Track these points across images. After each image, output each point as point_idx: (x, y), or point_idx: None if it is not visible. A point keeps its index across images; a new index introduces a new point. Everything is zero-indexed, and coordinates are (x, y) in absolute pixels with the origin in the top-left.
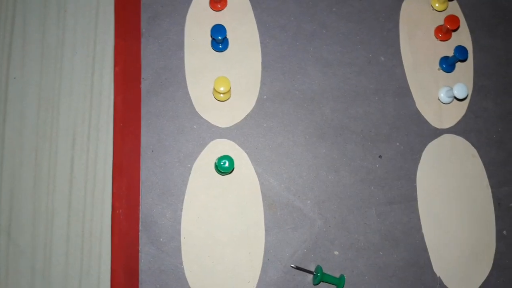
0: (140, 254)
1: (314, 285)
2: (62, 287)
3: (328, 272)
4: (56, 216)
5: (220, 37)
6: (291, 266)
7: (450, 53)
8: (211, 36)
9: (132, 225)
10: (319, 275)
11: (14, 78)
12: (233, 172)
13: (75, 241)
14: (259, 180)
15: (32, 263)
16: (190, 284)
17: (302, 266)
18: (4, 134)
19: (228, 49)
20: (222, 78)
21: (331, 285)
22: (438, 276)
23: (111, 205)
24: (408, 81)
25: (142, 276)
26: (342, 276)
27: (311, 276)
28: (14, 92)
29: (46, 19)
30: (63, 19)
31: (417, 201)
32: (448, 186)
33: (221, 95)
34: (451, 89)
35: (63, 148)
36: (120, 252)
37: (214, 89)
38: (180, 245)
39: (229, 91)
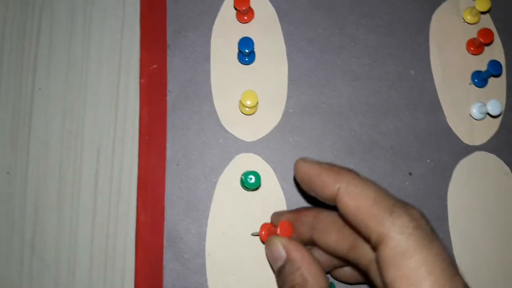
0: (164, 270)
1: None
2: None
3: None
4: (80, 230)
5: (247, 50)
6: None
7: (482, 67)
8: (238, 49)
9: (156, 241)
10: None
11: (40, 89)
12: (256, 190)
13: (99, 256)
14: (285, 196)
15: (56, 278)
16: None
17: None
18: (29, 145)
19: (255, 62)
20: (249, 92)
21: None
22: None
23: (135, 220)
24: (439, 96)
25: None
26: None
27: None
28: (39, 103)
29: (72, 30)
30: (89, 30)
31: (448, 220)
32: (480, 206)
33: (247, 109)
34: (484, 105)
35: (88, 161)
36: (144, 268)
37: (240, 102)
38: (205, 262)
39: (256, 105)
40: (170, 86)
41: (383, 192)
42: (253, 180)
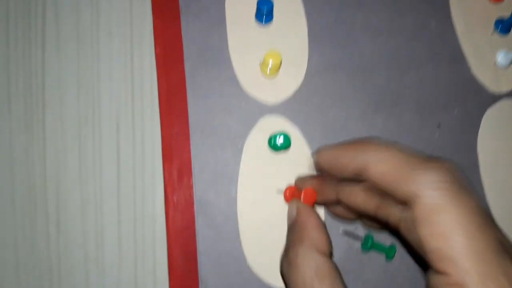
0: (197, 237)
1: (362, 251)
2: (117, 273)
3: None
4: (105, 203)
5: (267, 9)
6: (340, 233)
7: (505, 14)
8: (257, 9)
9: (186, 209)
10: (370, 242)
11: (51, 64)
12: (286, 150)
13: (127, 227)
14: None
15: (85, 252)
16: (250, 265)
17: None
18: (45, 121)
19: (273, 21)
20: (272, 52)
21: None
22: None
23: (162, 190)
24: (462, 46)
25: (201, 259)
26: (393, 246)
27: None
28: (52, 78)
29: (78, 2)
30: (96, 2)
31: (479, 169)
32: (510, 152)
33: (269, 70)
34: (509, 52)
35: (107, 134)
36: (176, 236)
37: (263, 63)
38: (238, 227)
39: (279, 66)
40: (186, 54)
41: (409, 151)
42: (282, 141)
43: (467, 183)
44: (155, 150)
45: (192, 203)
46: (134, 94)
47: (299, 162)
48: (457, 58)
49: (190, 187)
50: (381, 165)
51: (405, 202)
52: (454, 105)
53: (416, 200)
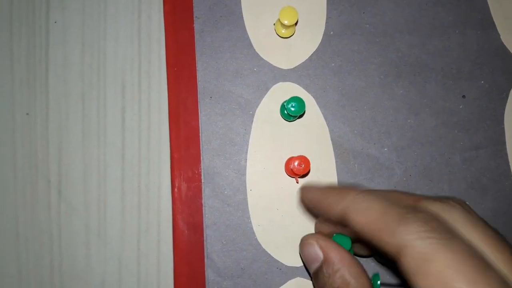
0: (204, 208)
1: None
2: (119, 245)
3: None
4: (109, 171)
5: None
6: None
7: None
8: None
9: (193, 178)
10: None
11: (55, 22)
12: (299, 119)
13: (131, 197)
14: (328, 127)
15: (86, 222)
16: (259, 239)
17: None
18: (48, 82)
19: None
20: (288, 9)
21: None
22: None
23: (169, 157)
24: (491, 11)
25: (207, 232)
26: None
27: None
28: (56, 37)
29: None
30: None
31: (505, 144)
32: None
33: (284, 30)
34: None
35: (112, 97)
36: (182, 207)
37: (278, 21)
38: (247, 198)
39: (295, 24)
40: (196, 12)
41: (391, 202)
42: (296, 108)
43: (451, 228)
44: (162, 116)
45: (200, 173)
46: (141, 55)
47: (312, 132)
48: (486, 24)
49: (197, 156)
50: (362, 213)
51: (388, 255)
52: (480, 75)
53: (404, 252)
